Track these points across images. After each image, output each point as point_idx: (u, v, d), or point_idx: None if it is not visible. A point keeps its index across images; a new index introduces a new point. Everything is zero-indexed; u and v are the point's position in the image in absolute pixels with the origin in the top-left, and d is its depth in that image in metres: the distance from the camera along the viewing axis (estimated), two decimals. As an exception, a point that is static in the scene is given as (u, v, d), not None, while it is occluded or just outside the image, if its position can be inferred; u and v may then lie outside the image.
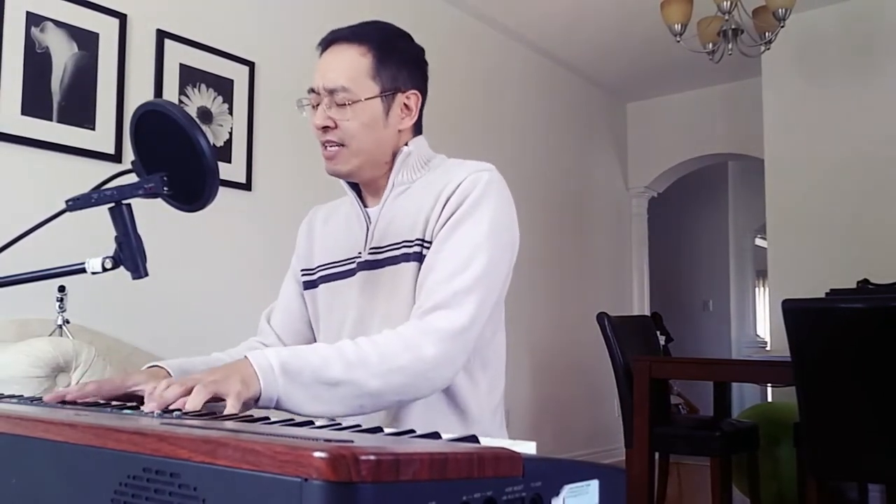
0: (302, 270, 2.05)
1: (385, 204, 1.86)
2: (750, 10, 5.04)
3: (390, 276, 1.80)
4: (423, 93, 1.89)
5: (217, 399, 1.32)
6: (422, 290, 1.70)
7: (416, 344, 1.57)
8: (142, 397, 1.47)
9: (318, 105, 1.79)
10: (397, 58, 1.82)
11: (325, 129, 1.77)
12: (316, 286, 1.99)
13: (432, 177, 1.85)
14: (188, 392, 1.30)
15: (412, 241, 1.78)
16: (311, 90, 1.80)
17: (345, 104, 1.75)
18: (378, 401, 1.55)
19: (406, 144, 1.86)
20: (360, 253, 1.87)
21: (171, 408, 1.26)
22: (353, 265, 1.89)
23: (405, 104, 1.84)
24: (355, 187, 1.94)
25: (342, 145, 1.78)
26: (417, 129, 1.91)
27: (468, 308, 1.64)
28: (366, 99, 1.76)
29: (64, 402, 1.42)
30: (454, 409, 1.79)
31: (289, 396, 1.43)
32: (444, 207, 1.75)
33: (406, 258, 1.78)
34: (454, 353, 1.63)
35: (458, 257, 1.68)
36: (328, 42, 1.82)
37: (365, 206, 1.92)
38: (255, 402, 1.40)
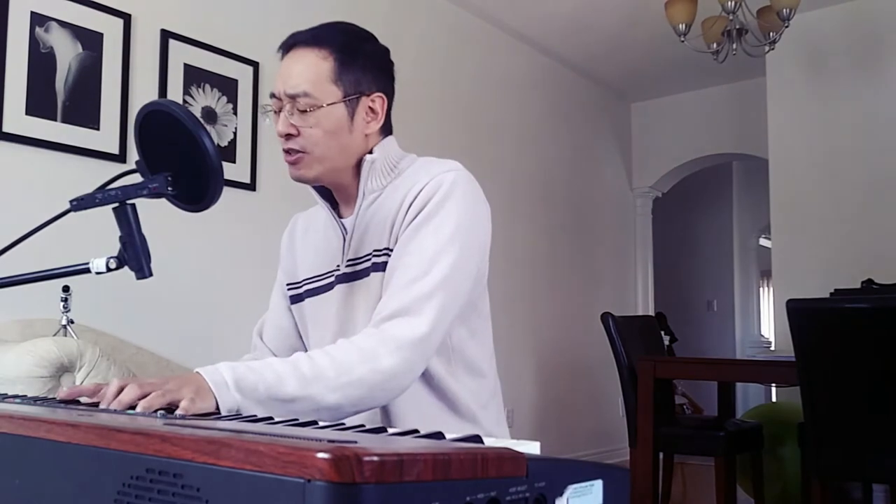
0: (288, 285, 2.03)
1: (358, 214, 1.82)
2: (754, 10, 5.04)
3: (364, 287, 1.79)
4: (390, 95, 1.84)
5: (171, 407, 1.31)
6: (384, 296, 1.67)
7: (373, 355, 1.54)
8: None
9: (280, 111, 1.76)
10: (360, 61, 1.77)
11: (288, 136, 1.73)
12: (302, 300, 1.97)
13: (400, 181, 1.81)
14: (144, 396, 1.28)
15: (381, 251, 1.76)
16: (273, 95, 1.76)
17: (307, 110, 1.71)
18: (336, 413, 1.52)
19: (371, 151, 1.81)
20: (338, 266, 1.85)
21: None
22: (332, 278, 1.86)
23: (370, 108, 1.79)
24: (328, 196, 1.91)
25: (304, 152, 1.74)
26: (386, 130, 1.86)
27: (428, 314, 1.61)
28: (328, 104, 1.72)
29: (76, 402, 1.42)
30: (447, 409, 1.77)
31: (246, 410, 1.40)
32: (407, 212, 1.72)
33: (376, 268, 1.76)
34: (413, 361, 1.59)
35: (419, 262, 1.65)
36: (288, 46, 1.78)
37: (340, 216, 1.89)
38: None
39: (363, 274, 1.79)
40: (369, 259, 1.78)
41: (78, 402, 1.41)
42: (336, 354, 1.54)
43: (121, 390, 1.30)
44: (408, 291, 1.62)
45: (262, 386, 1.43)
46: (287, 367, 1.48)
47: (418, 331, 1.59)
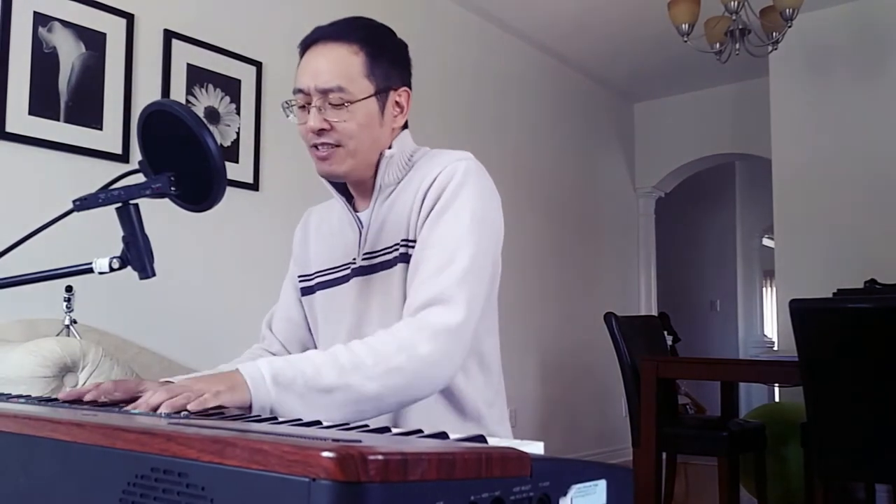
0: (299, 277, 2.03)
1: (374, 208, 1.83)
2: (757, 10, 5.03)
3: (383, 280, 1.79)
4: (411, 89, 1.86)
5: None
6: (410, 289, 1.67)
7: (410, 343, 1.54)
8: None
9: (304, 107, 1.75)
10: (388, 55, 1.78)
11: (321, 131, 1.72)
12: (313, 292, 1.98)
13: (413, 173, 1.83)
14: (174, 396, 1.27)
15: (399, 244, 1.76)
16: (299, 90, 1.74)
17: (341, 105, 1.70)
18: (379, 404, 1.52)
19: (390, 147, 1.82)
20: (354, 259, 1.86)
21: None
22: (348, 271, 1.87)
23: (397, 102, 1.81)
24: (343, 190, 1.91)
25: (338, 146, 1.73)
26: (406, 123, 1.88)
27: (460, 302, 1.61)
28: (362, 98, 1.72)
29: (80, 402, 1.42)
30: (452, 408, 1.77)
31: (282, 405, 1.39)
32: (422, 203, 1.73)
33: (395, 261, 1.76)
34: (451, 349, 1.59)
35: (444, 251, 1.65)
36: (312, 41, 1.77)
37: (355, 210, 1.90)
38: (247, 410, 1.38)
39: (382, 267, 1.79)
40: (389, 252, 1.78)
41: (94, 402, 1.41)
42: (373, 343, 1.54)
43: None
44: (438, 280, 1.62)
45: (300, 378, 1.43)
46: (325, 358, 1.49)
47: (454, 318, 1.59)
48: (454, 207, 1.69)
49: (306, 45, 1.78)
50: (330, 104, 1.71)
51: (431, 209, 1.71)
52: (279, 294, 2.13)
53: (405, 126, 1.88)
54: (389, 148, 1.81)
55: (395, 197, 1.82)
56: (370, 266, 1.82)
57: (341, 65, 1.71)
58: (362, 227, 1.86)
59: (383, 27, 1.85)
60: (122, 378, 1.64)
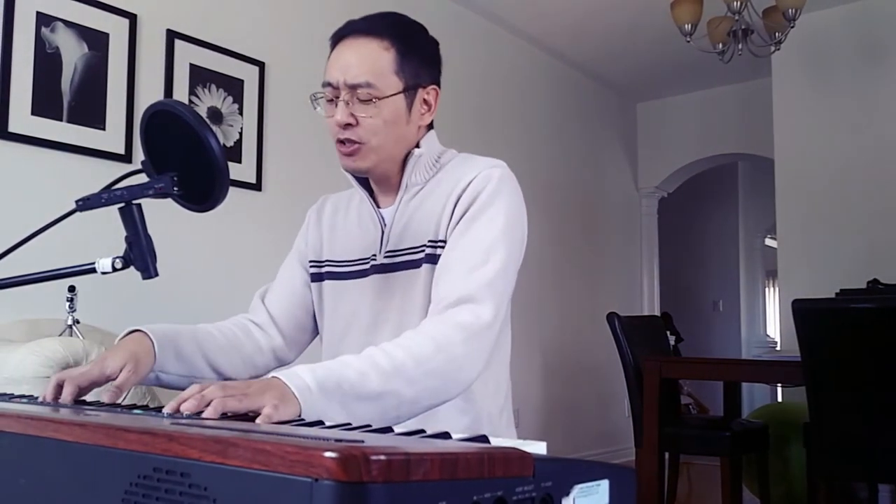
0: (311, 262, 1.99)
1: (399, 206, 1.82)
2: (760, 10, 5.03)
3: (405, 280, 1.78)
4: (440, 88, 1.84)
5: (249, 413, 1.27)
6: (438, 287, 1.66)
7: (446, 342, 1.52)
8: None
9: (332, 100, 1.73)
10: (418, 52, 1.77)
11: (347, 126, 1.70)
12: (322, 280, 1.95)
13: (443, 175, 1.82)
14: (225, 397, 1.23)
15: (426, 244, 1.75)
16: (328, 84, 1.73)
17: (369, 100, 1.69)
18: (414, 408, 1.50)
19: (418, 145, 1.81)
20: (374, 255, 1.84)
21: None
22: (367, 266, 1.85)
23: (425, 100, 1.80)
24: (366, 185, 1.89)
25: (362, 143, 1.72)
26: (430, 124, 1.87)
27: (490, 302, 1.61)
28: (390, 95, 1.71)
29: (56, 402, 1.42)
30: (462, 408, 1.74)
31: (325, 414, 1.34)
32: (455, 205, 1.72)
33: (421, 262, 1.75)
34: (480, 349, 1.58)
35: (477, 252, 1.65)
36: (343, 34, 1.76)
37: (378, 206, 1.88)
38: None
39: (405, 266, 1.78)
40: (414, 252, 1.77)
41: (85, 402, 1.41)
42: (410, 346, 1.51)
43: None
44: (469, 279, 1.62)
45: (346, 385, 1.39)
46: (365, 363, 1.45)
47: (484, 318, 1.59)
48: (489, 213, 1.70)
49: (337, 38, 1.77)
50: (358, 99, 1.70)
51: (465, 211, 1.71)
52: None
53: (431, 126, 1.87)
54: (417, 147, 1.81)
55: (423, 197, 1.81)
56: (392, 264, 1.80)
57: (371, 60, 1.70)
58: (385, 224, 1.84)
59: (416, 24, 1.84)
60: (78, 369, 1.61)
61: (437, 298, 1.64)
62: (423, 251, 1.76)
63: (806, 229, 6.22)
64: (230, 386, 1.28)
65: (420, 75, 1.77)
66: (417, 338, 1.53)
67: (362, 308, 1.84)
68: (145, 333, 1.65)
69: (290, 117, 4.69)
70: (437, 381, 1.51)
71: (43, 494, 0.91)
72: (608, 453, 7.34)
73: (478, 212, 1.70)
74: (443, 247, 1.73)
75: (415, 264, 1.76)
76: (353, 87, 1.69)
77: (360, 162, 1.75)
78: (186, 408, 1.19)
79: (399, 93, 1.72)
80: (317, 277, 1.97)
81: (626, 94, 8.35)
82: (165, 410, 1.21)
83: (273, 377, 1.37)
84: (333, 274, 1.93)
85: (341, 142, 1.74)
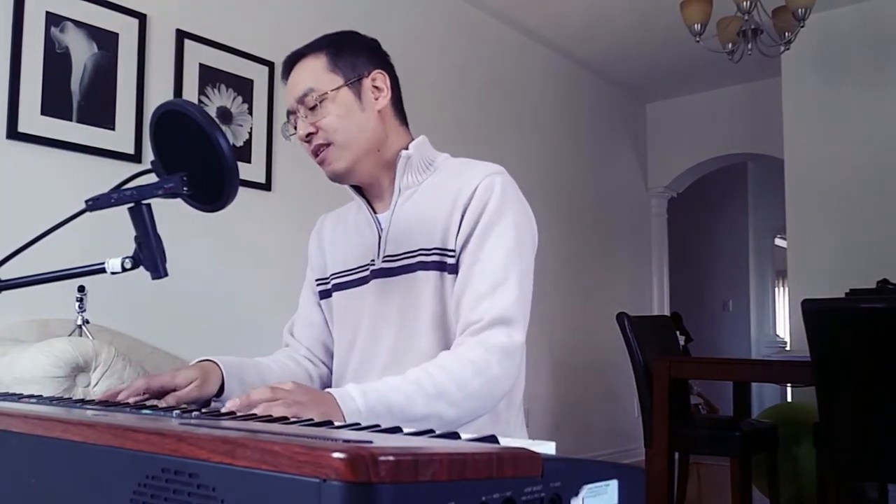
0: (317, 281, 2.05)
1: (395, 209, 1.85)
2: (770, 10, 5.02)
3: (405, 284, 1.79)
4: (390, 72, 1.89)
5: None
6: (463, 305, 1.69)
7: (485, 365, 1.59)
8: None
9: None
10: (350, 48, 1.84)
11: (310, 136, 1.80)
12: (330, 295, 1.99)
13: (439, 178, 1.85)
14: (273, 400, 1.30)
15: (430, 250, 1.76)
16: (289, 113, 1.84)
17: (316, 104, 1.77)
18: (452, 426, 1.52)
19: (406, 148, 1.86)
20: (373, 260, 1.86)
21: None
22: (367, 272, 1.87)
23: (374, 85, 1.84)
24: (361, 193, 1.94)
25: (328, 144, 1.80)
26: (400, 111, 1.92)
27: (522, 322, 1.67)
28: (332, 90, 1.78)
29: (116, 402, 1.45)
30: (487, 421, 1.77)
31: None
32: (462, 215, 1.74)
33: (423, 266, 1.77)
34: (513, 367, 1.65)
35: (495, 269, 1.68)
36: (287, 66, 1.87)
37: (374, 212, 1.91)
38: None
39: (405, 270, 1.80)
40: (414, 256, 1.79)
41: (107, 403, 1.43)
42: (452, 368, 1.57)
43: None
44: (495, 299, 1.66)
45: (395, 409, 1.46)
46: (411, 387, 1.51)
47: (516, 340, 1.66)
48: (501, 225, 1.73)
49: (283, 71, 1.89)
50: (309, 108, 1.79)
51: (475, 223, 1.73)
52: (291, 293, 2.15)
53: (403, 113, 1.94)
54: (406, 150, 1.85)
55: (419, 199, 1.83)
56: (391, 269, 1.82)
57: (308, 71, 1.81)
58: (381, 228, 1.87)
59: (347, 31, 1.93)
60: (157, 374, 1.68)
61: (468, 320, 1.67)
62: (424, 255, 1.77)
63: (816, 229, 6.21)
64: (282, 389, 1.35)
65: (357, 66, 1.83)
66: (457, 361, 1.59)
67: (364, 313, 1.86)
68: (214, 363, 1.75)
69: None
70: (476, 403, 1.58)
71: (52, 495, 0.91)
72: (617, 453, 7.33)
73: (489, 224, 1.72)
74: (452, 256, 1.74)
75: (415, 268, 1.78)
76: (301, 101, 1.79)
77: (336, 163, 1.82)
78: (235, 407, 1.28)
79: (342, 86, 1.79)
80: (325, 294, 2.02)
81: (636, 95, 8.34)
82: (228, 406, 1.30)
83: (327, 392, 1.43)
84: (338, 285, 1.96)
85: (314, 154, 1.83)
